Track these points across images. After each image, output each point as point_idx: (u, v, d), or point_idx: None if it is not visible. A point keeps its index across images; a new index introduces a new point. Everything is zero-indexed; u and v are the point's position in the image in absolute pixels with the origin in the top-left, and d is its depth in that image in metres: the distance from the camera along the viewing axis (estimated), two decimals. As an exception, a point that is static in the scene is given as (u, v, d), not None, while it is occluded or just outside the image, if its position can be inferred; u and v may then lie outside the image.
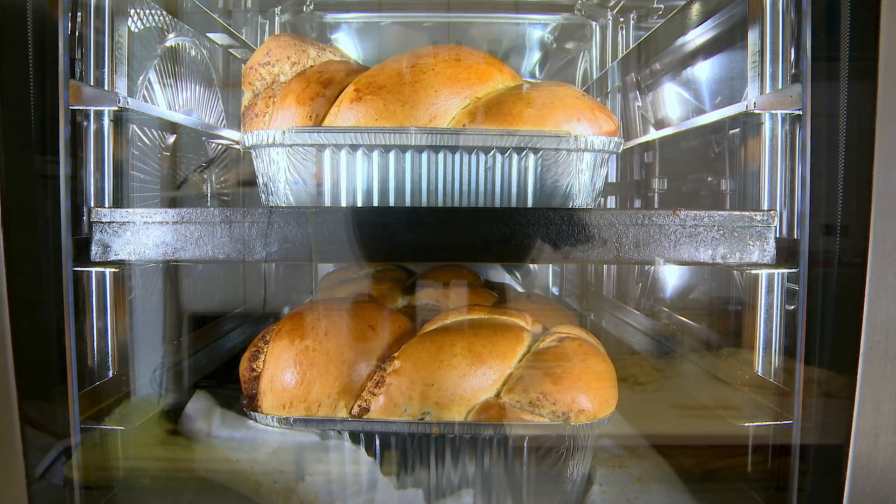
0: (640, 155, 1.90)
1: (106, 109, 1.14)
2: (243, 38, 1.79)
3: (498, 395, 1.10)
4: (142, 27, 1.36)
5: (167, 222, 1.00)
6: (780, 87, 1.09)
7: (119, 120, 1.19)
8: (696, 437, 1.27)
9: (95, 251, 1.01)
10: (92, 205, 1.13)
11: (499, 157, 1.09)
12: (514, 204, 1.10)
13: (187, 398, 1.30)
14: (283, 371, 1.12)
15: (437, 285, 1.52)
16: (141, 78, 1.36)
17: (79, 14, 1.12)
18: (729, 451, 1.13)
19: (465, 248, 0.99)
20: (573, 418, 1.07)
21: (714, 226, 0.99)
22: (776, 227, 1.00)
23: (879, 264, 0.84)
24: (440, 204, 1.10)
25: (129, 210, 1.01)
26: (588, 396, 1.08)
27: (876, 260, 0.84)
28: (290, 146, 1.09)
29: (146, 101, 1.38)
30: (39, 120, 0.93)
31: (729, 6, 1.33)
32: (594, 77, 2.07)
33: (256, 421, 1.13)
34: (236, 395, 1.22)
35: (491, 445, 1.10)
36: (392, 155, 1.09)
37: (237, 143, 1.69)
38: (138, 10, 1.33)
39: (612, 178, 2.04)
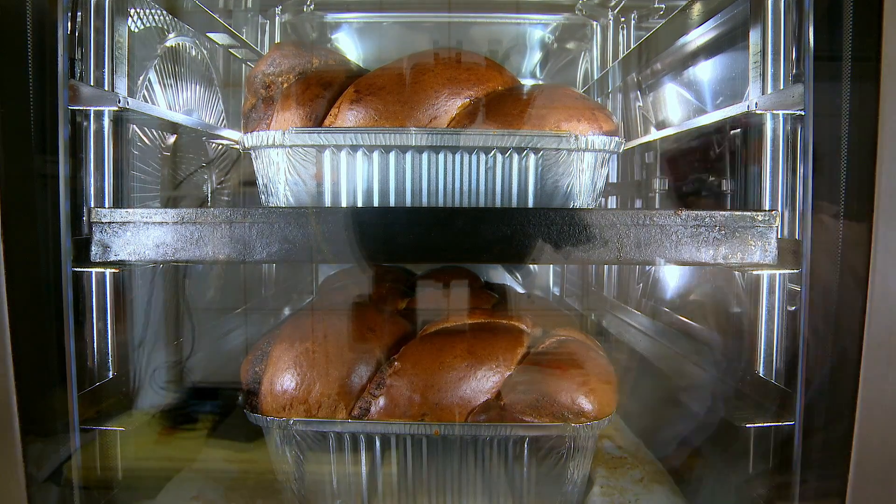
0: (641, 155, 1.90)
1: (106, 109, 1.13)
2: (244, 37, 1.78)
3: (498, 396, 1.09)
4: (142, 27, 1.36)
5: (167, 222, 1.00)
6: (781, 87, 1.09)
7: (119, 120, 1.19)
8: (697, 438, 1.27)
9: (95, 251, 1.01)
10: (92, 205, 1.13)
11: (499, 157, 1.09)
12: (514, 204, 1.10)
13: (187, 398, 1.30)
14: (283, 373, 1.11)
15: (437, 287, 1.52)
16: (141, 78, 1.36)
17: (79, 14, 1.11)
18: (731, 452, 1.12)
19: (466, 248, 0.99)
20: (573, 419, 1.07)
21: (716, 226, 0.99)
22: (778, 227, 1.00)
23: (882, 265, 0.84)
24: (440, 204, 1.10)
25: (129, 210, 1.01)
26: (588, 398, 1.08)
27: (878, 260, 0.84)
28: (290, 147, 1.08)
29: (146, 101, 1.38)
30: (39, 120, 0.92)
31: (730, 6, 1.33)
32: (595, 77, 2.07)
33: (257, 423, 1.13)
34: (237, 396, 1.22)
35: (491, 447, 1.10)
36: (392, 155, 1.08)
37: (237, 143, 1.69)
38: (138, 10, 1.33)
39: (613, 179, 2.04)
